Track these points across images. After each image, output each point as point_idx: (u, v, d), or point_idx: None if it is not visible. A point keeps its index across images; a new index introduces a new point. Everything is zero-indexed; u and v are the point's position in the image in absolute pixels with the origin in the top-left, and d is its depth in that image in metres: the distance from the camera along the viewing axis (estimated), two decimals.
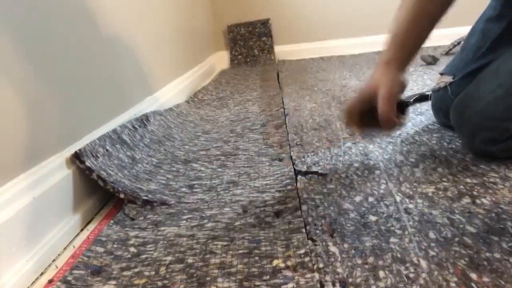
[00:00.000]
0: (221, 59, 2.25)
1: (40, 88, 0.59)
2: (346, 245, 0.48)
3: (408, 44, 0.69)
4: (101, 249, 0.52)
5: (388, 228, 0.50)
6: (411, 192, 0.59)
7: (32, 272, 0.49)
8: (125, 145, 0.76)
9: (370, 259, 0.45)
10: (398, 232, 0.49)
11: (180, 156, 0.84)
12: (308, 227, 0.53)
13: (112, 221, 0.59)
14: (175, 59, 1.37)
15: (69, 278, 0.47)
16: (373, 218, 0.53)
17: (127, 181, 0.67)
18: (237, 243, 0.51)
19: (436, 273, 0.41)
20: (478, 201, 0.54)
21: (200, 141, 0.94)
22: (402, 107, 0.70)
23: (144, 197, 0.64)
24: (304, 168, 0.71)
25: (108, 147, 0.70)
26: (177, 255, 0.50)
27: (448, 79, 0.82)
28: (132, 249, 0.52)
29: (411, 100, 1.04)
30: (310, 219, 0.55)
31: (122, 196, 0.64)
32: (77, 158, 0.62)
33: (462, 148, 0.72)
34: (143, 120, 0.89)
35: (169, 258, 0.49)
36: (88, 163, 0.63)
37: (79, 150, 0.63)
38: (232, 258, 0.48)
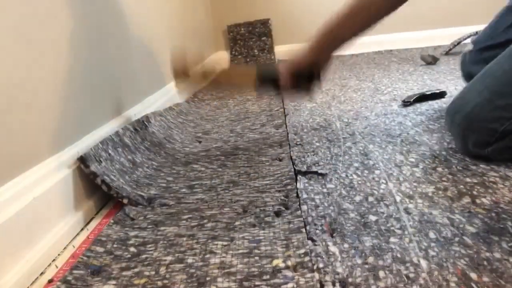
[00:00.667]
0: (221, 59, 2.25)
1: (40, 88, 0.59)
2: (346, 245, 0.48)
3: (335, 31, 0.75)
4: (101, 249, 0.52)
5: (388, 228, 0.50)
6: (411, 192, 0.59)
7: (32, 272, 0.49)
8: (127, 148, 0.76)
9: (370, 259, 0.45)
10: (398, 232, 0.49)
11: (181, 158, 0.84)
12: (308, 227, 0.53)
13: (112, 221, 0.59)
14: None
15: (69, 278, 0.46)
16: (373, 218, 0.53)
17: (128, 187, 0.67)
18: (237, 243, 0.51)
19: (436, 273, 0.41)
20: (478, 201, 0.54)
21: (200, 143, 0.94)
22: (310, 79, 0.80)
23: (145, 204, 0.64)
24: (304, 168, 0.71)
25: (110, 151, 0.70)
26: (177, 255, 0.50)
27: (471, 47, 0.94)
28: (132, 249, 0.52)
29: (411, 100, 1.04)
30: (310, 219, 0.55)
31: (125, 201, 0.64)
32: (82, 162, 0.62)
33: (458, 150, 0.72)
34: (144, 121, 0.89)
35: (169, 258, 0.49)
36: (93, 168, 0.63)
37: (85, 154, 0.63)
38: (232, 258, 0.48)
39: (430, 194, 0.58)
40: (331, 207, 0.57)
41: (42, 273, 0.51)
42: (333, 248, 0.48)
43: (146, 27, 1.10)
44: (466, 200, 0.55)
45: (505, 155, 0.65)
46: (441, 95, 1.08)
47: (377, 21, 0.74)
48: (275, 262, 0.46)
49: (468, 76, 0.93)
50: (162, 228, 0.57)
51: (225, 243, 0.51)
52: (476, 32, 1.66)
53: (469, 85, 0.71)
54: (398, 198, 0.57)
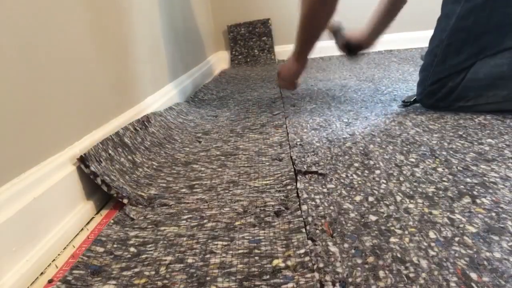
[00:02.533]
0: (221, 59, 2.25)
1: (39, 88, 0.59)
2: (346, 245, 0.48)
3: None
4: (101, 249, 0.52)
5: (388, 228, 0.50)
6: (411, 192, 0.59)
7: (32, 272, 0.49)
8: (127, 148, 0.76)
9: (370, 259, 0.45)
10: (398, 232, 0.49)
11: (181, 158, 0.84)
12: (308, 227, 0.53)
13: (112, 221, 0.59)
14: (175, 59, 1.37)
15: (69, 278, 0.46)
16: (373, 218, 0.53)
17: (128, 187, 0.67)
18: (237, 243, 0.51)
19: (436, 273, 0.41)
20: (478, 201, 0.54)
21: (200, 143, 0.94)
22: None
23: (145, 204, 0.64)
24: (304, 168, 0.71)
25: (110, 151, 0.70)
26: (177, 255, 0.50)
27: None
28: (132, 249, 0.52)
29: (411, 100, 1.04)
30: (310, 219, 0.55)
31: (125, 201, 0.64)
32: (82, 162, 0.62)
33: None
34: (144, 121, 0.89)
35: (169, 258, 0.49)
36: (93, 168, 0.63)
37: (85, 154, 0.63)
38: (232, 258, 0.48)
39: (430, 194, 0.58)
40: (331, 207, 0.57)
41: (42, 273, 0.51)
42: (333, 248, 0.48)
43: (147, 26, 1.10)
44: (466, 200, 0.55)
45: (433, 97, 0.97)
46: None
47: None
48: (275, 262, 0.46)
49: None
50: (162, 228, 0.57)
51: (225, 243, 0.51)
52: None
53: None
54: (398, 198, 0.57)
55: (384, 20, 1.25)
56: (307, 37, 1.13)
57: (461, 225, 0.49)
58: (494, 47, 0.87)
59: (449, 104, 0.96)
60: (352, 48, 1.29)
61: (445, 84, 0.94)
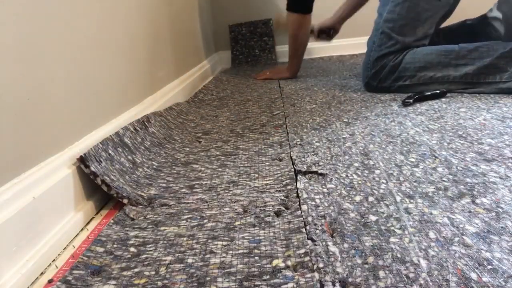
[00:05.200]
0: (222, 59, 2.25)
1: (39, 87, 0.59)
2: (346, 245, 0.48)
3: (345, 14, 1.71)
4: (101, 249, 0.52)
5: (388, 228, 0.50)
6: (411, 192, 0.59)
7: (32, 272, 0.49)
8: (127, 148, 0.76)
9: (370, 259, 0.45)
10: (398, 232, 0.49)
11: (181, 158, 0.84)
12: (308, 227, 0.53)
13: (112, 221, 0.59)
14: (175, 59, 1.37)
15: (69, 278, 0.46)
16: (373, 218, 0.53)
17: (128, 187, 0.67)
18: (237, 243, 0.51)
19: (436, 273, 0.41)
20: (478, 201, 0.54)
21: (200, 143, 0.94)
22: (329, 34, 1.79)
23: (145, 204, 0.64)
24: (304, 168, 0.71)
25: (110, 151, 0.70)
26: (177, 255, 0.50)
27: None
28: (132, 249, 0.52)
29: (411, 100, 1.04)
30: (310, 219, 0.55)
31: (125, 201, 0.64)
32: (82, 162, 0.62)
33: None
34: (144, 121, 0.89)
35: (169, 258, 0.49)
36: (93, 168, 0.63)
37: (85, 154, 0.63)
38: (232, 258, 0.48)
39: (430, 194, 0.58)
40: (331, 207, 0.57)
41: (42, 273, 0.51)
42: (333, 248, 0.48)
43: (147, 26, 1.10)
44: (466, 200, 0.55)
45: (377, 78, 1.22)
46: (441, 95, 1.08)
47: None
48: (275, 262, 0.46)
49: None
50: (162, 228, 0.57)
51: (225, 243, 0.51)
52: None
53: None
54: (398, 198, 0.57)
55: (353, 9, 1.68)
56: (294, 51, 1.62)
57: (461, 225, 0.49)
58: (411, 35, 1.20)
59: (390, 84, 1.21)
60: (326, 31, 1.74)
61: (386, 64, 1.21)
